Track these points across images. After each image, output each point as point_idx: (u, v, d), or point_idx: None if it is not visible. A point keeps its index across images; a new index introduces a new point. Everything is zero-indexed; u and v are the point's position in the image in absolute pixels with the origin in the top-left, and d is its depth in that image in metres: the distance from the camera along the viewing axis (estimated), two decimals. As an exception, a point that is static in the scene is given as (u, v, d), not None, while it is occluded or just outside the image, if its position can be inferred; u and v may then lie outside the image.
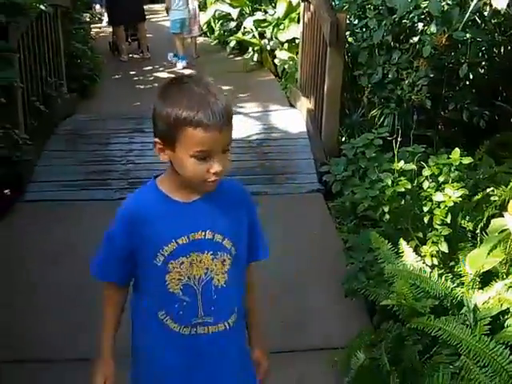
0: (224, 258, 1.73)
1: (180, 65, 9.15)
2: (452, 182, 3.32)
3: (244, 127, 6.04)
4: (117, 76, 8.63)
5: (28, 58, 5.31)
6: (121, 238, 1.72)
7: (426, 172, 3.31)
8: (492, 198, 3.34)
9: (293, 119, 6.17)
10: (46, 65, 5.94)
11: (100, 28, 11.48)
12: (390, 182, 3.19)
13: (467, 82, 4.90)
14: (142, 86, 8.19)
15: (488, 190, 3.46)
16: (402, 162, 3.27)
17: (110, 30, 10.10)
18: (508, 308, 2.57)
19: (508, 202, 2.97)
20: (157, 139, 1.64)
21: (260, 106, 6.97)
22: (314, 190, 4.86)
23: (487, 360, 2.36)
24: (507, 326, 2.53)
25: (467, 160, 3.36)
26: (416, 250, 3.24)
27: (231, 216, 1.75)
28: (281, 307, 3.43)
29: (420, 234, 3.33)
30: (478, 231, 3.05)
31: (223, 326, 1.76)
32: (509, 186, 3.06)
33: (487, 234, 3.05)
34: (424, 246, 3.19)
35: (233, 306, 1.80)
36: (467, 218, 3.37)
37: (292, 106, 6.80)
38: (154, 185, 1.73)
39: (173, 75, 8.63)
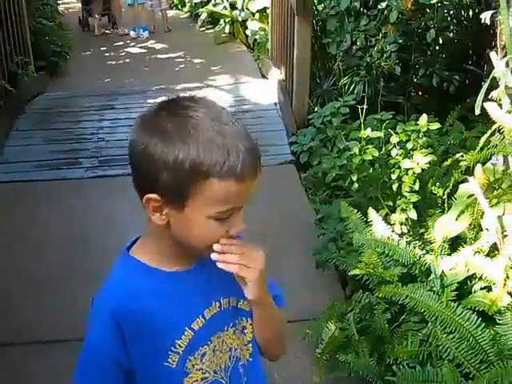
0: (243, 325, 1.34)
1: (143, 35, 9.13)
2: (420, 149, 3.30)
3: (215, 100, 5.99)
4: (87, 52, 8.49)
5: (-10, 36, 5.19)
6: (111, 350, 1.20)
7: (394, 139, 3.28)
8: (461, 164, 3.32)
9: (264, 90, 6.11)
10: (10, 43, 5.80)
11: (68, 3, 11.25)
12: (357, 151, 3.16)
13: (437, 47, 4.86)
14: (113, 62, 8.08)
15: (457, 155, 3.44)
16: (369, 129, 3.24)
17: (79, 5, 9.91)
18: (475, 273, 2.57)
19: (474, 166, 2.96)
20: (153, 195, 1.14)
21: (232, 79, 6.90)
22: (287, 161, 4.82)
23: (454, 326, 2.37)
24: (474, 292, 2.54)
25: (435, 126, 3.33)
26: (386, 219, 3.23)
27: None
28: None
29: (390, 202, 3.31)
30: (445, 197, 3.04)
31: None
32: (475, 151, 3.04)
33: (455, 200, 3.05)
34: (393, 214, 3.17)
35: (264, 378, 1.44)
36: (437, 184, 3.35)
37: (264, 77, 6.73)
38: (134, 260, 1.25)
39: (145, 50, 8.59)
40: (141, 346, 1.21)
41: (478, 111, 2.60)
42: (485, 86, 2.54)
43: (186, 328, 1.24)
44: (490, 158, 2.95)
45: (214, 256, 1.20)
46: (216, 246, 1.19)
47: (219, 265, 1.20)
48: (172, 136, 1.10)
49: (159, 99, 1.20)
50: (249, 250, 1.22)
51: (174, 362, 1.22)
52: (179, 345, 1.23)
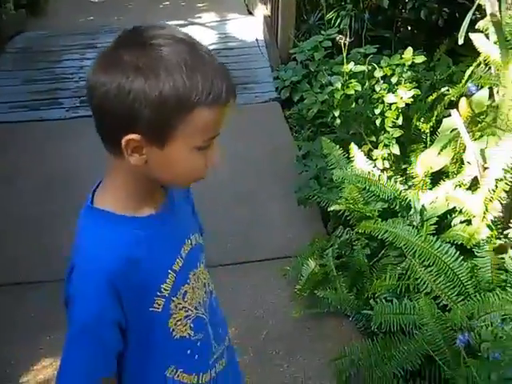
0: (204, 259, 1.35)
1: None
2: (405, 83, 3.21)
3: (200, 37, 5.83)
4: (69, -10, 8.23)
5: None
6: (111, 316, 1.15)
7: (378, 73, 3.19)
8: (446, 98, 3.24)
9: (250, 27, 5.96)
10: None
11: None
12: (339, 86, 3.06)
13: (427, -21, 4.69)
14: (95, 0, 7.85)
15: (443, 89, 3.36)
16: (352, 63, 3.14)
17: None
18: (455, 207, 2.54)
19: (459, 100, 2.88)
20: (134, 136, 1.06)
21: (217, 16, 6.73)
22: (272, 98, 4.73)
23: (432, 259, 2.35)
24: (454, 225, 2.51)
25: (420, 59, 3.23)
26: (369, 154, 3.18)
27: (187, 203, 1.33)
28: (234, 218, 3.39)
29: (373, 138, 3.25)
30: (427, 131, 2.97)
31: (227, 341, 1.42)
32: (461, 84, 2.96)
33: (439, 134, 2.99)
34: (376, 150, 3.11)
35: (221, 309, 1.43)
36: (422, 119, 3.28)
37: (251, 13, 6.56)
38: (103, 212, 1.16)
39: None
40: (134, 301, 1.16)
41: (461, 41, 2.50)
42: (469, 14, 2.43)
43: (169, 271, 1.21)
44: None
45: None
46: None
47: None
48: (149, 69, 1.01)
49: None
50: None
51: (159, 306, 1.19)
52: (165, 288, 1.20)
